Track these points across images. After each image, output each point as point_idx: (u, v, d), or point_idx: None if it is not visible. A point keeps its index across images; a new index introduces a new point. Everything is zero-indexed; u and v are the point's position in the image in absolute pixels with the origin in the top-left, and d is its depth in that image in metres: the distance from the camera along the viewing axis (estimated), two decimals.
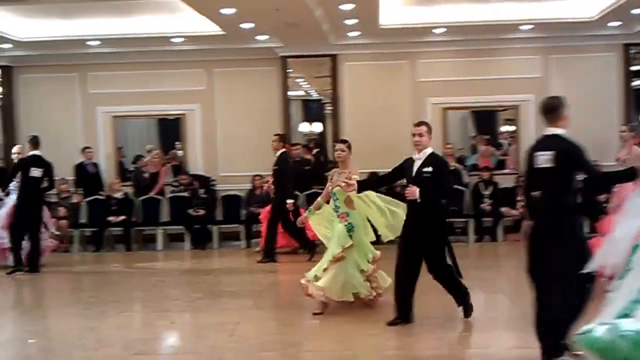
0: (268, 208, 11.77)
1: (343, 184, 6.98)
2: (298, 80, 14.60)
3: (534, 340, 5.15)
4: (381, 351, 5.96)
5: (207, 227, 13.35)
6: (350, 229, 7.30)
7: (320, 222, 7.84)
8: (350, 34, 13.40)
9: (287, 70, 14.11)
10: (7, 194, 11.32)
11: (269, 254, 11.26)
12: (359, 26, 12.75)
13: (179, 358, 6.25)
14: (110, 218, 13.31)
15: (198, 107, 14.55)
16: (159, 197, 13.68)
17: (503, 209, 13.03)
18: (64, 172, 13.85)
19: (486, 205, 13.11)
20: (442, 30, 13.39)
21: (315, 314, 7.20)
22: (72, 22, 13.02)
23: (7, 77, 14.74)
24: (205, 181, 13.79)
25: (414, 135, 6.76)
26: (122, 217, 13.30)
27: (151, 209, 13.55)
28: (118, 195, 13.61)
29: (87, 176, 13.94)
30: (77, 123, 14.68)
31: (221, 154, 14.45)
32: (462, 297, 6.90)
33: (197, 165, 14.49)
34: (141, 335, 6.91)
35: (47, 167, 11.16)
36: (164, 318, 7.68)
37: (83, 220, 13.54)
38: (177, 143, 14.88)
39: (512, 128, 14.32)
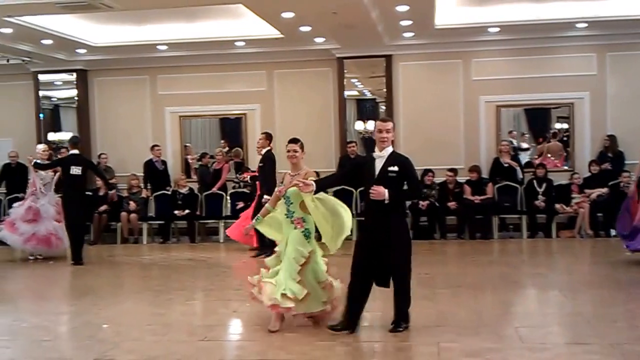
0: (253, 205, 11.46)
1: (301, 184, 6.09)
2: (353, 80, 14.61)
3: (589, 335, 5.05)
4: (432, 339, 5.92)
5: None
6: (307, 235, 6.41)
7: (271, 228, 6.81)
8: (405, 35, 13.32)
9: (343, 71, 14.13)
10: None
11: (265, 247, 10.74)
12: (413, 27, 12.66)
13: (240, 345, 6.32)
14: (176, 212, 13.57)
15: (258, 107, 14.70)
16: (221, 192, 13.87)
17: (557, 206, 12.80)
18: (134, 168, 14.23)
19: (540, 202, 12.88)
20: (497, 29, 13.20)
21: (272, 331, 6.25)
22: (143, 28, 13.29)
23: (83, 80, 15.14)
24: None
25: (380, 131, 6.12)
26: (187, 211, 13.55)
27: (214, 203, 13.75)
28: (184, 190, 13.85)
29: (155, 172, 14.23)
30: (147, 122, 14.99)
31: (279, 151, 14.47)
32: (407, 309, 6.25)
33: (256, 162, 14.58)
34: (205, 322, 7.00)
35: (86, 164, 11.51)
36: (226, 306, 7.77)
37: (151, 213, 13.85)
38: (221, 141, 15.09)
39: (565, 126, 14.03)
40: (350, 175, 6.78)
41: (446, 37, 13.39)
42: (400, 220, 6.21)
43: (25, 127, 15.20)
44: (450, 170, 13.22)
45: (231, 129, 15.18)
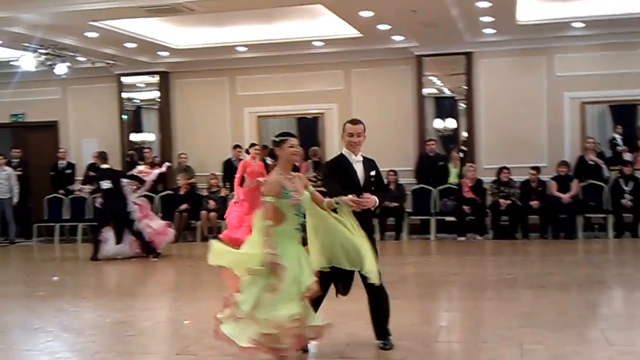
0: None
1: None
2: (431, 78, 14.47)
3: None
4: (515, 340, 5.79)
5: None
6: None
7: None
8: (486, 31, 13.10)
9: (422, 69, 14.01)
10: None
11: None
12: (494, 23, 12.42)
13: (320, 344, 6.33)
14: None
15: (335, 106, 14.71)
16: None
17: None
18: (213, 168, 14.50)
19: (627, 200, 12.44)
20: (581, 24, 12.82)
21: None
22: (222, 30, 13.50)
23: (165, 82, 15.52)
24: None
25: (352, 135, 5.69)
26: None
27: None
28: None
29: (234, 172, 14.41)
30: (226, 123, 15.24)
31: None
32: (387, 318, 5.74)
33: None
34: None
35: (117, 176, 12.05)
36: None
37: None
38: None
39: None
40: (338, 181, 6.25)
41: (528, 33, 13.09)
42: (372, 228, 5.89)
43: (109, 128, 15.69)
44: (533, 168, 12.91)
45: (308, 129, 15.27)
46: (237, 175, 12.06)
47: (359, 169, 5.71)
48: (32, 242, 14.92)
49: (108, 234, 11.83)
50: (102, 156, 12.14)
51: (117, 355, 5.85)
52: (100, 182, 11.89)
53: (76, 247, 14.31)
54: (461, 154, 14.06)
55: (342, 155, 5.77)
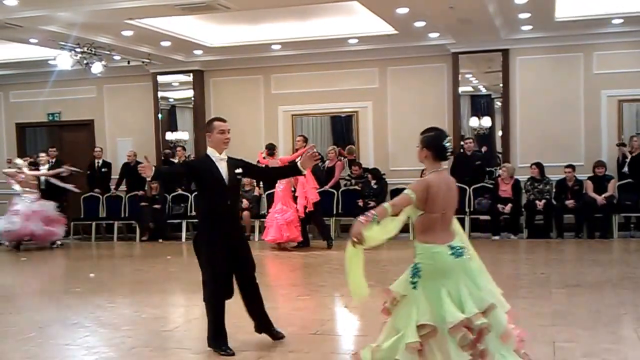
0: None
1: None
2: (467, 75, 14.47)
3: None
4: (547, 338, 5.84)
5: None
6: (415, 273, 4.51)
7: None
8: (524, 28, 13.08)
9: (458, 67, 14.03)
10: None
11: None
12: (532, 20, 12.41)
13: (351, 339, 6.46)
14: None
15: (370, 104, 14.79)
16: (332, 190, 14.06)
17: None
18: None
19: None
20: (620, 20, 12.74)
21: None
22: (257, 28, 13.64)
23: (199, 80, 15.74)
24: (377, 173, 13.97)
25: (223, 132, 5.90)
26: None
27: (326, 201, 13.92)
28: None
29: None
30: (260, 121, 15.40)
31: (392, 149, 14.63)
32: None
33: (368, 160, 14.74)
34: (317, 317, 7.18)
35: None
36: (338, 302, 7.93)
37: (263, 211, 14.17)
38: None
39: None
40: (185, 176, 6.43)
41: (567, 29, 13.04)
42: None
43: (144, 127, 15.95)
44: (568, 166, 12.85)
45: (342, 127, 15.38)
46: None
47: (223, 166, 5.83)
48: (69, 240, 15.26)
49: None
50: None
51: (152, 350, 6.02)
52: None
53: (112, 244, 14.64)
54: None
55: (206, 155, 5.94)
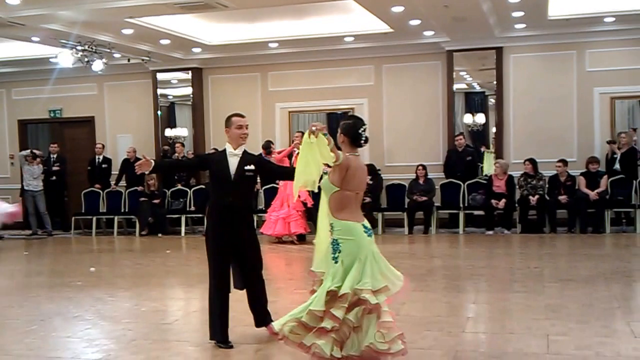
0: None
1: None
2: (462, 73, 14.47)
3: None
4: (541, 331, 5.84)
5: (373, 214, 13.55)
6: (336, 248, 4.86)
7: None
8: (517, 26, 13.08)
9: (453, 64, 14.01)
10: None
11: None
12: (525, 18, 12.42)
13: None
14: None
15: (366, 101, 14.77)
16: None
17: None
18: None
19: None
20: (612, 19, 12.73)
21: None
22: (254, 26, 13.63)
23: (198, 78, 15.72)
24: (373, 169, 13.94)
25: (241, 127, 5.81)
26: None
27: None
28: None
29: None
30: (257, 118, 15.32)
31: (387, 145, 14.62)
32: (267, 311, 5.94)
33: (364, 156, 14.65)
34: None
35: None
36: None
37: (261, 206, 14.13)
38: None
39: None
40: (196, 169, 6.25)
41: (560, 28, 13.05)
42: (252, 222, 5.98)
43: (144, 123, 15.92)
44: (560, 161, 12.83)
45: (338, 124, 15.28)
46: None
47: (234, 162, 5.74)
48: (70, 234, 15.25)
49: None
50: None
51: (152, 343, 6.00)
52: None
53: (112, 239, 14.61)
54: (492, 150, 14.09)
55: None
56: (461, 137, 13.75)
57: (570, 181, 12.76)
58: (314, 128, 4.73)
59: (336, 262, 4.75)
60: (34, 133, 17.43)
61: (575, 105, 13.53)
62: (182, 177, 15.10)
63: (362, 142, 4.89)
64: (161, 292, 8.59)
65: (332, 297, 4.66)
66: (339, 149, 4.87)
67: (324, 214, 4.97)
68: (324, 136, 4.72)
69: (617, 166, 12.80)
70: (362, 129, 4.91)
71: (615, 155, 12.89)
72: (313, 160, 4.78)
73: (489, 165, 13.57)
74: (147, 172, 5.81)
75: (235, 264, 5.78)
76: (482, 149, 13.97)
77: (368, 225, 4.90)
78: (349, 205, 4.83)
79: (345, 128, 4.95)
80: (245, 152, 5.85)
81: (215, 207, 5.84)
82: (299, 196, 12.03)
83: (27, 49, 14.30)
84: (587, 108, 13.46)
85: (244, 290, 5.89)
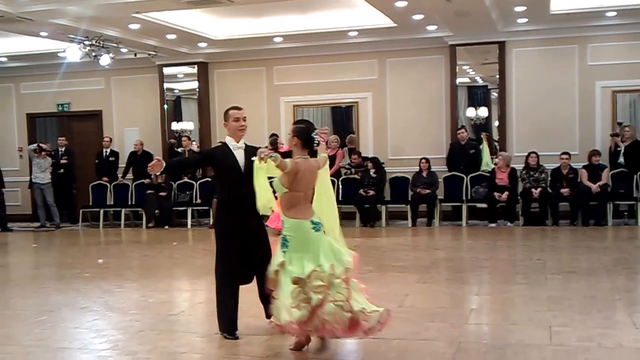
0: None
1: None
2: (464, 67, 14.42)
3: None
4: (543, 323, 5.81)
5: (377, 206, 13.54)
6: (284, 244, 5.21)
7: None
8: (519, 21, 13.02)
9: (455, 58, 13.95)
10: None
11: None
12: (527, 13, 12.35)
13: None
14: None
15: (370, 95, 14.74)
16: (333, 178, 13.98)
17: None
18: None
19: None
20: (614, 13, 12.66)
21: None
22: (259, 21, 13.59)
23: (204, 72, 15.68)
24: (377, 162, 13.92)
25: (238, 119, 5.70)
26: None
27: None
28: None
29: None
30: (263, 112, 15.32)
31: (391, 138, 14.59)
32: None
33: (368, 149, 14.69)
34: None
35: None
36: None
37: None
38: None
39: None
40: (203, 165, 6.18)
41: (562, 22, 12.97)
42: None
43: (150, 117, 15.90)
44: (564, 153, 12.77)
45: (342, 117, 15.35)
46: None
47: (240, 155, 5.68)
48: (78, 226, 15.27)
49: None
50: None
51: (159, 334, 5.99)
52: None
53: (119, 231, 14.63)
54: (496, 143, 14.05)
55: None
56: (463, 130, 13.70)
57: (572, 174, 12.71)
58: (262, 155, 5.02)
59: (284, 257, 5.08)
60: (42, 126, 17.44)
61: (577, 99, 13.48)
62: (188, 170, 15.09)
63: (315, 144, 5.23)
64: (168, 284, 8.59)
65: (298, 281, 4.95)
66: (289, 156, 5.19)
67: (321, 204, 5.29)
68: (271, 159, 4.99)
69: (621, 159, 12.75)
70: (314, 133, 5.24)
71: (618, 149, 12.84)
72: (264, 183, 5.24)
73: (487, 159, 13.56)
74: (157, 173, 5.78)
75: (244, 256, 5.73)
76: (482, 135, 13.91)
77: (318, 220, 5.13)
78: (297, 204, 5.14)
79: (299, 131, 5.26)
80: (246, 144, 5.79)
81: (226, 200, 5.79)
82: None
83: (35, 43, 14.28)
84: (589, 101, 13.41)
85: (249, 284, 5.86)
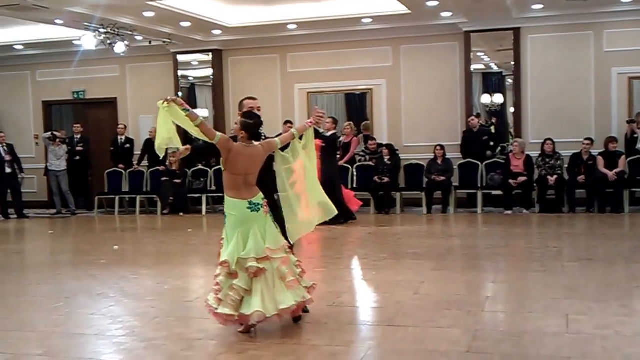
0: None
1: None
2: (479, 54, 14.29)
3: None
4: (560, 311, 5.74)
5: (391, 193, 13.46)
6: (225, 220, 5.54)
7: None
8: (534, 7, 12.87)
9: (470, 45, 13.81)
10: None
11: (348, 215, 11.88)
12: None
13: (369, 311, 6.38)
14: None
15: (384, 82, 14.64)
16: (347, 165, 13.95)
17: None
18: None
19: None
20: None
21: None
22: (273, 9, 13.54)
23: (218, 60, 15.63)
24: (391, 149, 13.83)
25: (252, 109, 5.70)
26: None
27: (341, 176, 13.79)
28: None
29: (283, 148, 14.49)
30: (277, 99, 15.27)
31: (405, 125, 14.50)
32: None
33: (382, 136, 14.62)
34: (334, 289, 7.09)
35: None
36: (354, 275, 7.85)
37: None
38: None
39: None
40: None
41: (577, 8, 12.81)
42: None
43: None
44: (587, 139, 12.61)
45: (357, 104, 15.27)
46: None
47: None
48: (94, 213, 15.32)
49: None
50: None
51: (175, 320, 5.98)
52: None
53: (134, 218, 14.66)
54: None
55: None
56: (473, 117, 13.57)
57: (591, 160, 12.56)
58: (169, 98, 5.22)
59: (223, 233, 5.39)
60: (58, 114, 17.51)
61: (593, 86, 13.33)
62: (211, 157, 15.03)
63: (262, 139, 5.39)
64: (183, 270, 8.58)
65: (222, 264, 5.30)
66: (235, 140, 5.31)
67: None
68: (184, 111, 5.17)
69: (638, 146, 12.60)
70: (261, 129, 5.37)
71: (635, 135, 12.69)
72: (164, 123, 5.28)
73: None
74: (181, 157, 5.82)
75: None
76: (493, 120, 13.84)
77: (257, 201, 5.30)
78: (236, 186, 5.30)
79: (245, 125, 5.32)
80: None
81: None
82: None
83: (51, 31, 14.30)
84: (605, 88, 13.25)
85: None
